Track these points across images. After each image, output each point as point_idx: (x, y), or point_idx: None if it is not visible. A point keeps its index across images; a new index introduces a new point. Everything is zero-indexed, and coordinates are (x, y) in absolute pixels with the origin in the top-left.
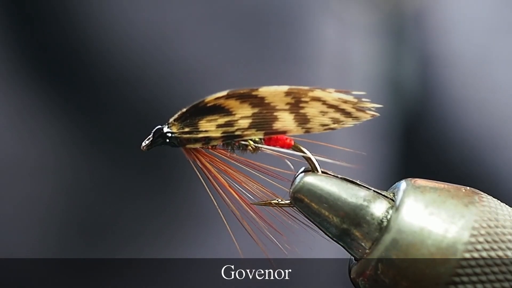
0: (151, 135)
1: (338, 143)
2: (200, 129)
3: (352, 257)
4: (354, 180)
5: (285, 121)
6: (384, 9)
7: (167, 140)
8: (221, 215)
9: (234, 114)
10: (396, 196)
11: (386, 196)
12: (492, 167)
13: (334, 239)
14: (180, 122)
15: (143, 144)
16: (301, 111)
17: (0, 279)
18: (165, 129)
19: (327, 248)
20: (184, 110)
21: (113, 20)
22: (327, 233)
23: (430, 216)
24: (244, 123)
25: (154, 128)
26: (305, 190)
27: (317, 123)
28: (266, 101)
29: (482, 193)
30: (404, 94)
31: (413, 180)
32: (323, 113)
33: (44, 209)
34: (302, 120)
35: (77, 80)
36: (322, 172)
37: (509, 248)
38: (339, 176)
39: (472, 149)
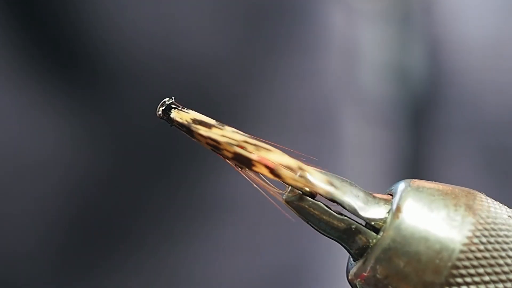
0: (163, 108)
1: (347, 132)
2: (195, 137)
3: (350, 256)
4: (345, 190)
5: (262, 170)
6: None
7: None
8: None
9: (220, 144)
10: (393, 198)
11: (383, 198)
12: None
13: (332, 239)
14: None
15: (158, 111)
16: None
17: (3, 276)
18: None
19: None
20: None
21: (118, 15)
22: (325, 236)
23: (428, 218)
24: (228, 154)
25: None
26: (292, 207)
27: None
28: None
29: (481, 194)
30: (413, 80)
31: (412, 181)
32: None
33: (48, 205)
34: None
35: (83, 76)
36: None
37: (504, 249)
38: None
39: (490, 133)
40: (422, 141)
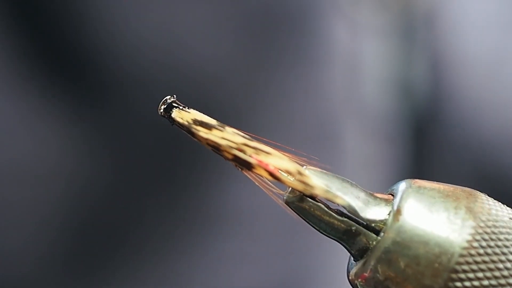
0: (164, 106)
1: (348, 144)
2: (195, 137)
3: (350, 256)
4: (346, 191)
5: (262, 173)
6: (395, 10)
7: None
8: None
9: (220, 146)
10: (394, 197)
11: (384, 198)
12: (509, 168)
13: (333, 239)
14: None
15: (160, 109)
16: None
17: (7, 283)
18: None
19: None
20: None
21: (122, 23)
22: (325, 235)
23: (428, 221)
24: (228, 156)
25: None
26: (293, 208)
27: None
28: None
29: (482, 194)
30: (415, 95)
31: (413, 181)
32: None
33: (51, 213)
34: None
35: (85, 85)
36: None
37: (504, 253)
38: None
39: (490, 150)
40: (420, 156)
